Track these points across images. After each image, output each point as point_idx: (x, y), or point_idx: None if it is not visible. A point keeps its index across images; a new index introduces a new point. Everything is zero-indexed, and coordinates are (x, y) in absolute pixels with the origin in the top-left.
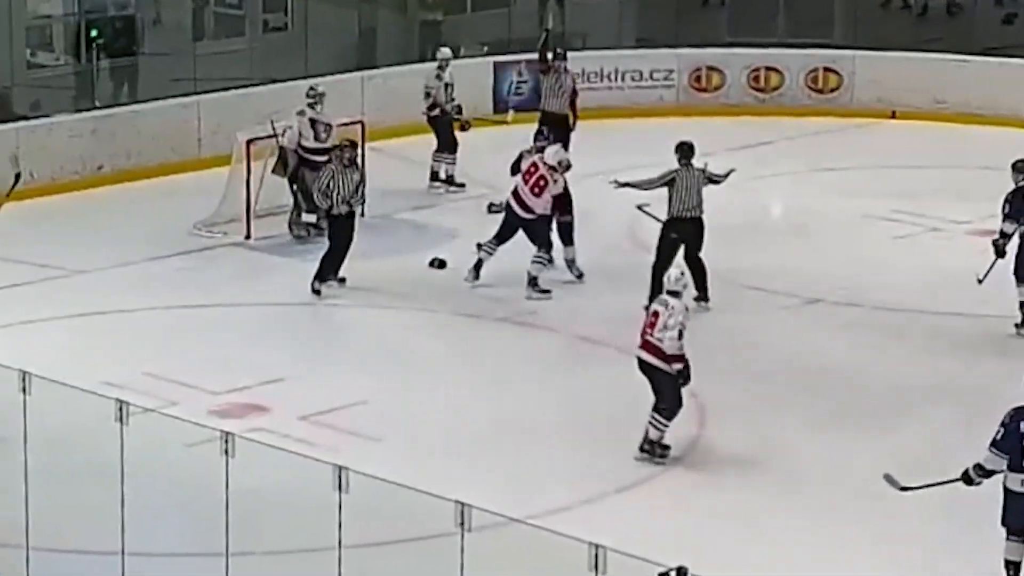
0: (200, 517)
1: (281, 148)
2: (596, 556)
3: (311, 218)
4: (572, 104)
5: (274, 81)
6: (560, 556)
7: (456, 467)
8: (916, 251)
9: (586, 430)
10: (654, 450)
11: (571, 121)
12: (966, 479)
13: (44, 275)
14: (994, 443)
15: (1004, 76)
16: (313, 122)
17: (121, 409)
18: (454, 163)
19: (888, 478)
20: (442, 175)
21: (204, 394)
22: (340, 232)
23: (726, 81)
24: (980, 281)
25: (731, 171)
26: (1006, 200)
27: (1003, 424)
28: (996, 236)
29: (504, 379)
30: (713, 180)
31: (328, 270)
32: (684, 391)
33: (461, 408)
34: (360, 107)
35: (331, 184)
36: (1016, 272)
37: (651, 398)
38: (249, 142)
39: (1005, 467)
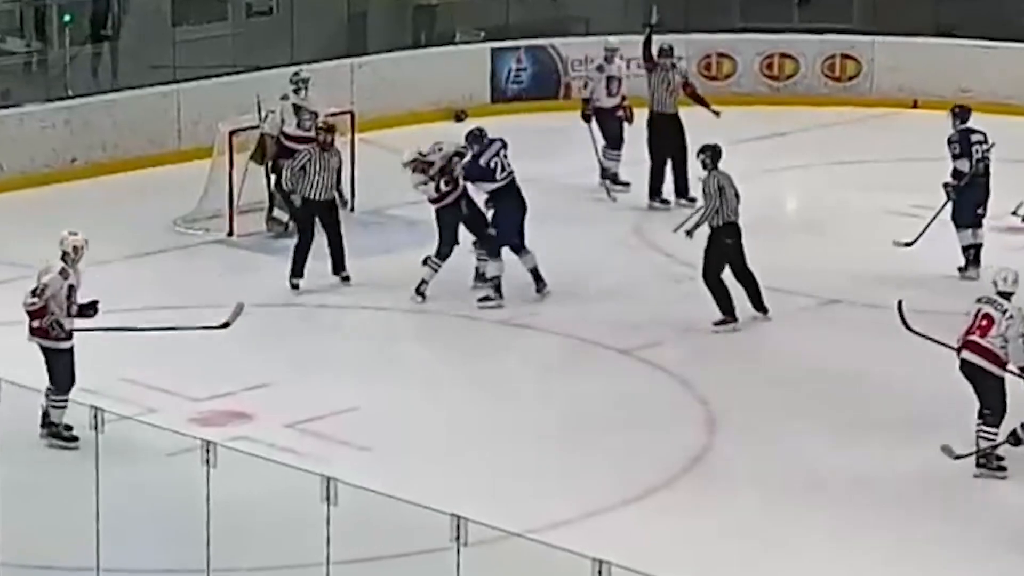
0: (180, 531)
1: (261, 134)
2: (601, 572)
3: (284, 215)
4: (696, 97)
5: (258, 68)
6: (562, 572)
7: (451, 478)
8: (940, 249)
9: (589, 438)
10: (990, 462)
11: (708, 109)
12: (1014, 439)
13: (14, 274)
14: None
15: None
16: (297, 108)
17: (96, 416)
18: (619, 160)
19: (945, 449)
20: (613, 172)
21: (184, 400)
22: (308, 220)
23: (737, 68)
24: (909, 244)
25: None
26: (952, 140)
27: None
28: (948, 180)
29: (502, 384)
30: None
31: (300, 263)
32: (693, 398)
33: (456, 415)
34: (349, 96)
35: (307, 166)
36: (954, 217)
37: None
38: (232, 133)
39: None
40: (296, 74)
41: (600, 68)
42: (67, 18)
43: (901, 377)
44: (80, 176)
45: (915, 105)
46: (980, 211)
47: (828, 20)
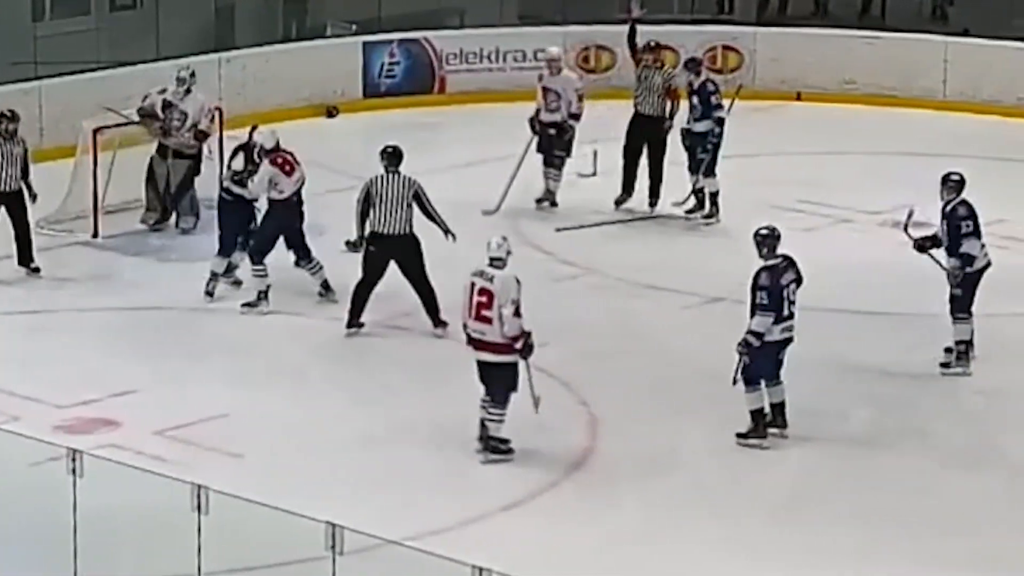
0: (46, 542)
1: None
2: None
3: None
4: (671, 100)
5: (123, 64)
6: None
7: (326, 485)
8: (826, 244)
9: (467, 443)
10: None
11: (665, 121)
12: (745, 349)
13: None
14: (762, 308)
15: (917, 54)
16: (167, 105)
17: None
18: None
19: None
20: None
21: (49, 408)
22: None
23: (617, 61)
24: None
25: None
26: (966, 217)
27: (764, 287)
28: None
29: (376, 388)
30: None
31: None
32: (574, 400)
33: (330, 421)
34: (217, 91)
35: None
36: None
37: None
38: (96, 131)
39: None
40: (186, 68)
41: (539, 77)
42: None
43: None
44: None
45: (798, 97)
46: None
47: (709, 11)
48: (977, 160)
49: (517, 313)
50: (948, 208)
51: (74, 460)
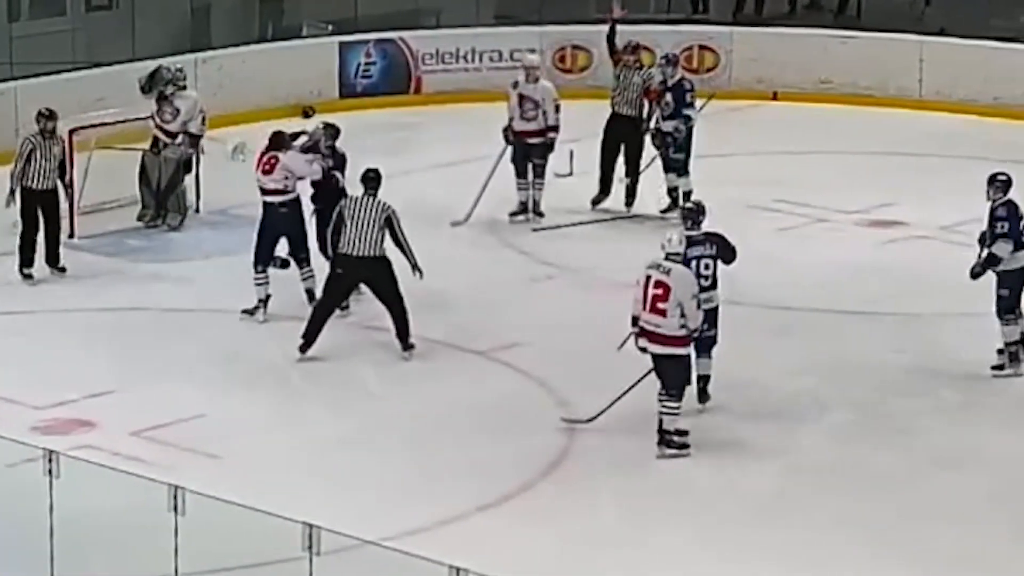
0: (22, 544)
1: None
2: None
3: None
4: (649, 100)
5: (99, 65)
6: None
7: (303, 485)
8: (802, 244)
9: (444, 442)
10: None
11: (642, 122)
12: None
13: None
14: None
15: (893, 53)
16: (161, 99)
17: None
18: (526, 189)
19: (567, 420)
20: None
21: (25, 409)
22: (31, 213)
23: (593, 61)
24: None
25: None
26: (1003, 218)
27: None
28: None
29: (352, 388)
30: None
31: (25, 257)
32: (552, 400)
33: (306, 421)
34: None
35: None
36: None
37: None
38: (72, 131)
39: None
40: (179, 69)
41: (514, 84)
42: None
43: (763, 374)
44: None
45: (775, 97)
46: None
47: (685, 11)
48: (954, 159)
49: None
50: (992, 207)
51: (50, 461)
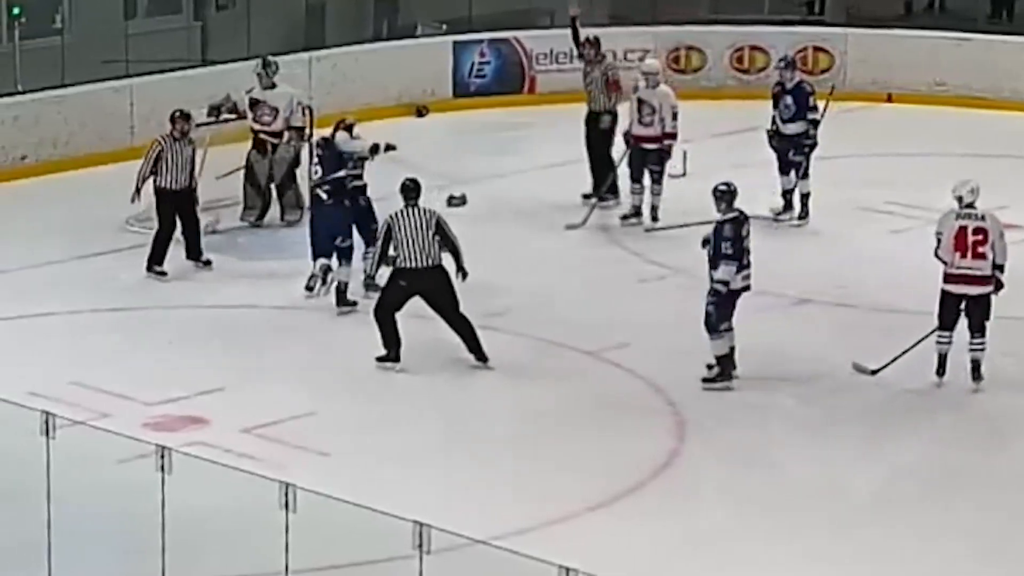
0: (134, 539)
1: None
2: None
3: (251, 216)
4: (612, 92)
5: (214, 63)
6: None
7: (413, 484)
8: (915, 246)
9: (553, 443)
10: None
11: (603, 115)
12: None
13: None
14: (726, 258)
15: (1007, 56)
16: (254, 103)
17: (47, 422)
18: (640, 195)
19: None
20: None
21: (137, 405)
22: (167, 213)
23: (707, 61)
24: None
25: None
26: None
27: (728, 239)
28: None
29: (462, 388)
30: None
31: (156, 254)
32: (662, 401)
33: (415, 419)
34: (307, 90)
35: (159, 158)
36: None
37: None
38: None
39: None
40: (262, 62)
41: (634, 88)
42: (16, 11)
43: (875, 378)
44: (30, 174)
45: (889, 99)
46: None
47: (800, 12)
48: None
49: None
50: None
51: (162, 457)
